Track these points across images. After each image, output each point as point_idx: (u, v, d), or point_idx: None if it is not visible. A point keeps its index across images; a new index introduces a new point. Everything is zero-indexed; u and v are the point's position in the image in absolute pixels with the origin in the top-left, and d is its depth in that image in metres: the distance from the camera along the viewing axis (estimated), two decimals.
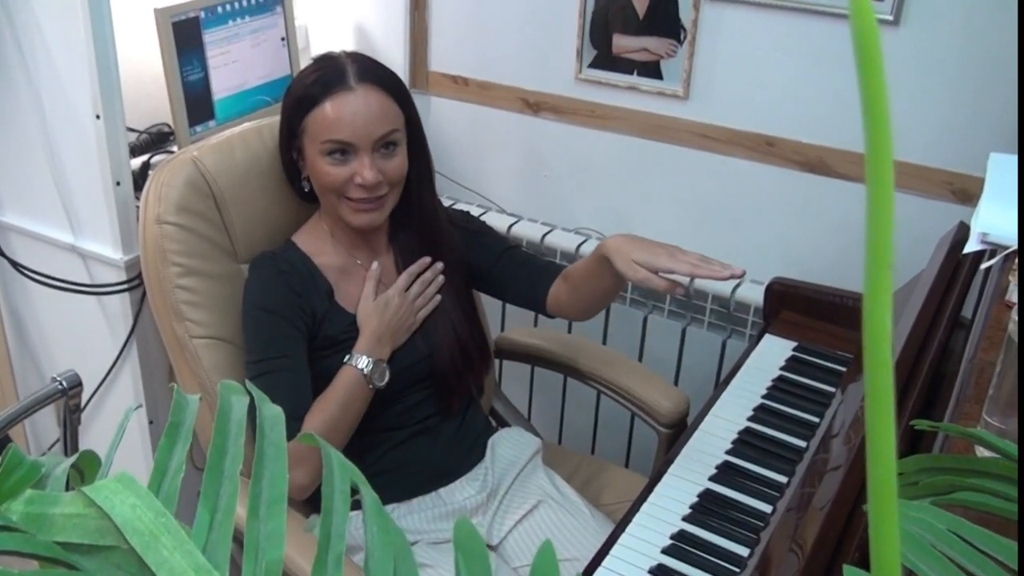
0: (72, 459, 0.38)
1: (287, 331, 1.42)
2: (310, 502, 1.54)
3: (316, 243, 1.50)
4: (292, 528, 0.37)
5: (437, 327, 1.53)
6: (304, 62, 2.10)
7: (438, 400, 1.54)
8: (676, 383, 1.99)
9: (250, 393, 0.42)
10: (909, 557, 0.40)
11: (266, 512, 0.35)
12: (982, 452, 0.75)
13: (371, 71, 1.41)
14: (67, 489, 0.38)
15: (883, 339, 0.20)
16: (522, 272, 1.57)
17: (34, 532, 0.31)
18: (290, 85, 1.47)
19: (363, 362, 1.42)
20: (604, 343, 2.07)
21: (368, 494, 0.39)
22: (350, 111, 1.38)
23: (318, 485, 1.40)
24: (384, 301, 1.47)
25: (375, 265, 1.50)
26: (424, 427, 1.53)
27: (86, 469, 0.40)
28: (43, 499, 0.32)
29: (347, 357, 1.43)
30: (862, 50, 0.19)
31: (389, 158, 1.42)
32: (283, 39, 1.94)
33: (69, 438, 1.61)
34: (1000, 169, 1.19)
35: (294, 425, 1.39)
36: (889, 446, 0.20)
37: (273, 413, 0.40)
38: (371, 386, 1.43)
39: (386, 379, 1.45)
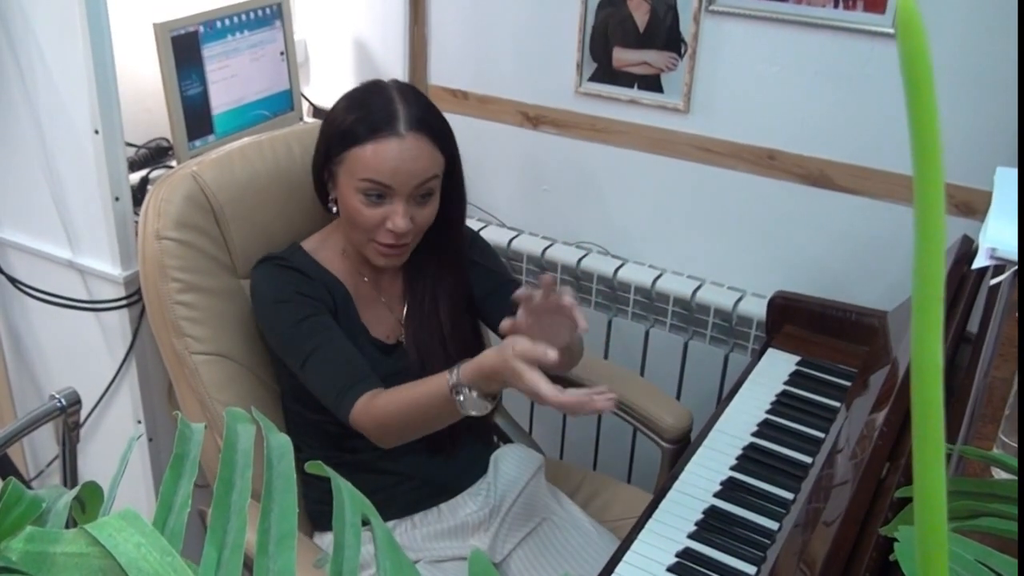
0: (74, 492, 0.37)
1: (309, 309, 1.38)
2: (319, 520, 1.52)
3: (327, 253, 1.48)
4: (301, 558, 0.36)
5: (434, 363, 1.45)
6: (303, 76, 2.10)
7: (428, 440, 1.46)
8: (678, 398, 1.98)
9: (256, 422, 0.40)
10: None
11: (275, 548, 0.33)
12: (999, 473, 0.74)
13: (423, 118, 1.36)
14: (70, 521, 0.37)
15: (934, 378, 0.19)
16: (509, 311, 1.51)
17: (34, 573, 0.30)
18: (334, 112, 1.41)
19: (464, 390, 1.25)
20: (606, 357, 2.06)
21: (379, 527, 0.37)
22: (394, 156, 1.33)
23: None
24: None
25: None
26: (421, 444, 1.51)
27: (88, 501, 0.39)
28: (44, 537, 0.31)
29: (451, 377, 1.27)
30: (912, 77, 0.18)
31: (423, 206, 1.38)
32: (282, 53, 1.93)
33: (68, 456, 1.60)
34: (1007, 183, 1.19)
35: (357, 390, 1.32)
36: (939, 494, 0.19)
37: (280, 443, 0.38)
38: (460, 410, 1.27)
39: (485, 410, 1.27)
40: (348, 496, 0.36)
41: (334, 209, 1.44)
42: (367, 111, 1.36)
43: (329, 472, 0.39)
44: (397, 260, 1.42)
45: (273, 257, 1.45)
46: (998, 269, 1.10)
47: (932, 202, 0.18)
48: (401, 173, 1.34)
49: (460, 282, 1.52)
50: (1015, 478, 0.56)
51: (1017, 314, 1.04)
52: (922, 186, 0.18)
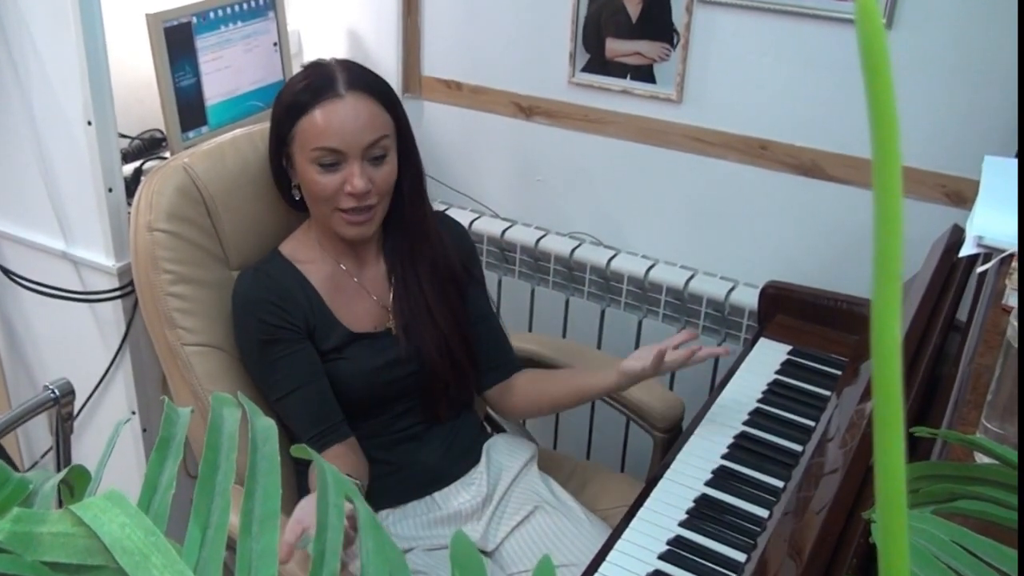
0: (61, 475, 0.38)
1: (285, 350, 1.41)
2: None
3: (304, 251, 1.49)
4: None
5: (425, 338, 1.50)
6: (297, 67, 2.10)
7: (423, 411, 1.53)
8: (671, 387, 1.99)
9: (242, 405, 0.41)
10: (913, 570, 0.39)
11: (259, 528, 0.34)
12: (981, 458, 0.75)
13: (361, 79, 1.40)
14: (58, 505, 0.38)
15: (892, 355, 0.20)
16: (484, 349, 1.59)
17: (20, 552, 0.30)
18: (280, 92, 1.45)
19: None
20: (599, 347, 2.06)
21: (363, 508, 0.38)
22: (339, 118, 1.36)
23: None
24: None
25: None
26: (412, 433, 1.52)
27: (76, 484, 0.39)
28: (30, 517, 0.31)
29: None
30: (869, 59, 0.19)
31: (378, 167, 1.40)
32: (276, 44, 1.93)
33: (62, 447, 1.60)
34: (995, 172, 1.19)
35: (330, 435, 1.42)
36: (899, 464, 0.20)
37: (265, 425, 0.39)
38: None
39: None
40: (331, 477, 0.36)
41: (297, 196, 1.46)
42: (308, 81, 1.40)
43: (312, 454, 0.39)
44: (367, 228, 1.43)
45: (251, 273, 1.46)
46: (986, 257, 1.11)
47: (889, 181, 0.18)
48: (349, 134, 1.36)
49: (438, 255, 1.54)
50: (996, 462, 0.57)
51: (1002, 301, 1.05)
52: (880, 163, 0.19)
